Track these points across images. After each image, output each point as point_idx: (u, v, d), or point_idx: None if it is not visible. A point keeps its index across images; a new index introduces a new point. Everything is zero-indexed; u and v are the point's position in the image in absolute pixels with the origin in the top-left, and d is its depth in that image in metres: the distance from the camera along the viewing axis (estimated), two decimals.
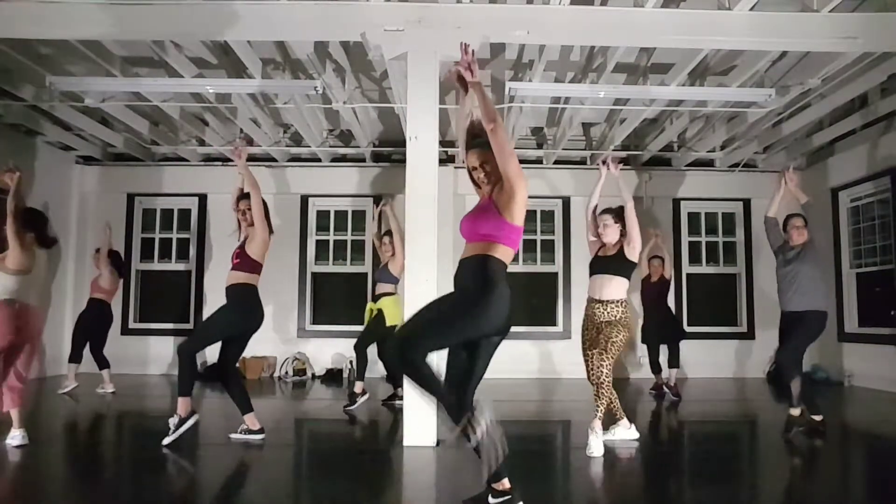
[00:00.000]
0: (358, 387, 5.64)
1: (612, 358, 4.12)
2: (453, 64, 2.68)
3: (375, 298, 5.93)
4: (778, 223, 4.81)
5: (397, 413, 5.30)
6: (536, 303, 8.81)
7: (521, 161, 8.70)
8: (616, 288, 4.28)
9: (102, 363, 6.78)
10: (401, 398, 5.53)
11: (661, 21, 4.76)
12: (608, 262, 4.35)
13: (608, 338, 4.16)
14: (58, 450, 4.29)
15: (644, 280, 6.97)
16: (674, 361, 6.75)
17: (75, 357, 6.75)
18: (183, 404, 4.15)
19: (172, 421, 4.09)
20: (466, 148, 2.79)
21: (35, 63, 5.74)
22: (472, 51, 2.65)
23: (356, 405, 5.58)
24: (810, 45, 4.95)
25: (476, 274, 2.56)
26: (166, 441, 4.04)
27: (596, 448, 3.98)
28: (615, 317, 4.22)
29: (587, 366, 4.27)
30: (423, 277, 4.35)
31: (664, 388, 6.70)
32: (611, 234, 4.40)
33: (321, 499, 3.31)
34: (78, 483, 3.60)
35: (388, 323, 5.66)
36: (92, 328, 6.81)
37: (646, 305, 7.00)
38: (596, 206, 4.61)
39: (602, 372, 4.09)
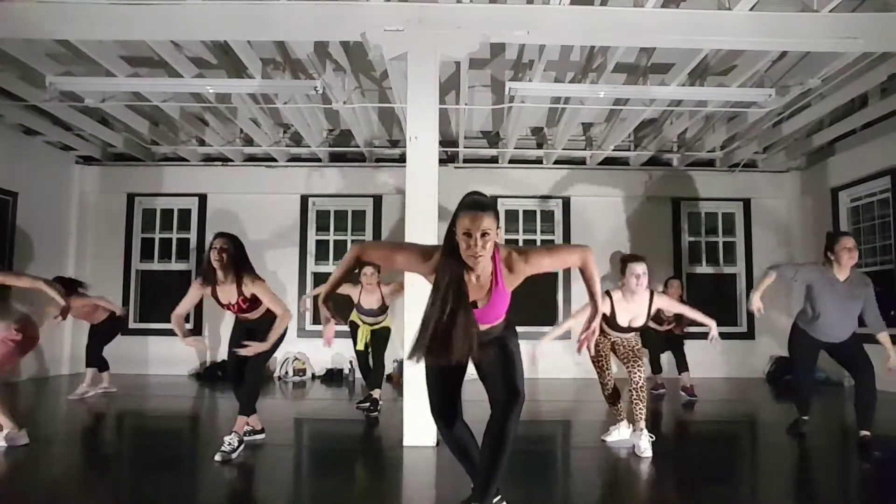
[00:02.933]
0: (377, 393, 5.65)
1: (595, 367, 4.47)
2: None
3: (365, 321, 5.80)
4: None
5: (397, 413, 5.29)
6: (536, 303, 8.80)
7: (521, 161, 8.65)
8: None
9: (102, 364, 6.76)
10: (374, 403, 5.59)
11: (661, 21, 4.76)
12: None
13: None
14: (56, 450, 4.28)
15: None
16: (682, 365, 6.86)
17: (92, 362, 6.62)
18: (254, 420, 4.35)
19: (229, 439, 3.92)
20: None
21: (35, 63, 5.74)
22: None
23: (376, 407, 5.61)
24: (810, 45, 4.94)
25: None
26: (220, 457, 3.85)
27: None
28: None
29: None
30: (422, 277, 4.34)
31: (681, 389, 6.80)
32: None
33: (321, 499, 3.31)
34: (76, 483, 3.60)
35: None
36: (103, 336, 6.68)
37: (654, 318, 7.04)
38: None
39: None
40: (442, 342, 2.33)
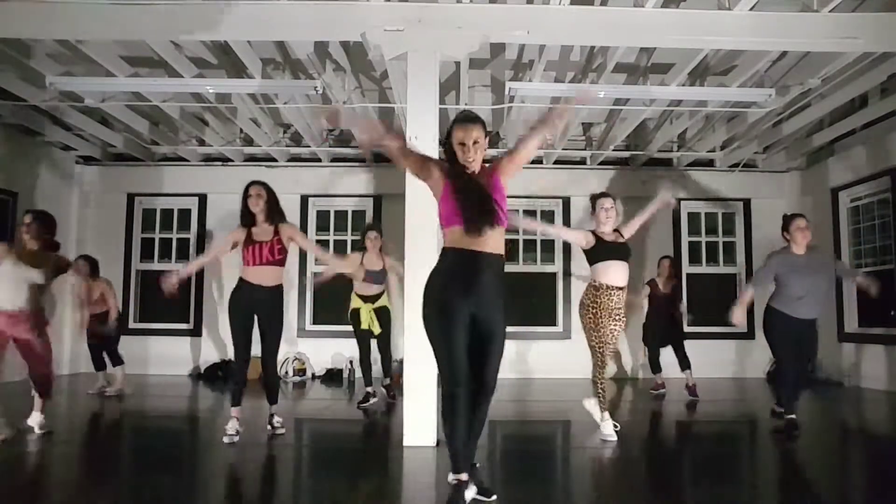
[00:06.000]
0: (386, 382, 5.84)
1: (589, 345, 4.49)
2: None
3: (366, 299, 5.88)
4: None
5: (398, 413, 5.30)
6: (536, 303, 8.80)
7: None
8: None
9: (100, 364, 6.78)
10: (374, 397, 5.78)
11: (661, 21, 4.76)
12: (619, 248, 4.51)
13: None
14: (56, 450, 4.28)
15: (651, 283, 6.97)
16: (684, 363, 6.75)
17: (100, 365, 6.77)
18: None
19: (229, 428, 4.22)
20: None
21: (35, 63, 5.74)
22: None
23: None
24: (810, 45, 4.95)
25: None
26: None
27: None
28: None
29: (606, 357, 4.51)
30: (422, 278, 4.33)
31: (684, 388, 6.74)
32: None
33: (321, 499, 3.31)
34: (75, 483, 3.60)
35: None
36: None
37: (651, 307, 7.02)
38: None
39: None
40: (477, 211, 2.79)
